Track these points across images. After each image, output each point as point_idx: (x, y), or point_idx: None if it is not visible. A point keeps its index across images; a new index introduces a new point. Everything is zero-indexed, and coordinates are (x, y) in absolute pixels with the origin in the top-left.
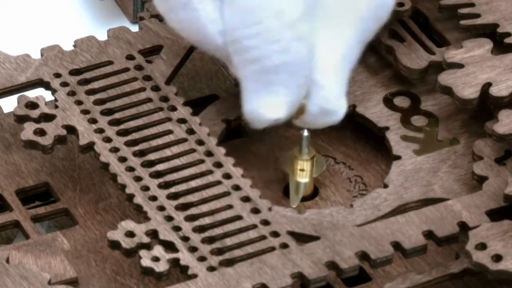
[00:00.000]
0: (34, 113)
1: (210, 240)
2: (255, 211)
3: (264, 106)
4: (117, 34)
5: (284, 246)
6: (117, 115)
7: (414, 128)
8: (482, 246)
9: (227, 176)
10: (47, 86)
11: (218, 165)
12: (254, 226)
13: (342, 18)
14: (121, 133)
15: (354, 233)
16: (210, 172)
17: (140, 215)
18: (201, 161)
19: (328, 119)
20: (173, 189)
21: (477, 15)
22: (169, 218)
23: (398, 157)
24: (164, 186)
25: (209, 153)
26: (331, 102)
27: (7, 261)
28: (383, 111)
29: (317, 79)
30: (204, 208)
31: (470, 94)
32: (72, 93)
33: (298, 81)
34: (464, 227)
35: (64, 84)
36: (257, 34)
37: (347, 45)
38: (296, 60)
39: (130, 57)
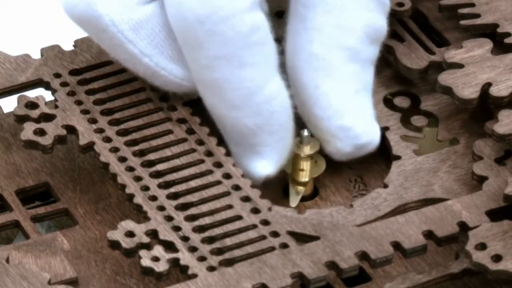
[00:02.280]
0: (34, 113)
1: (210, 240)
2: (255, 211)
3: (254, 166)
4: None
5: (284, 246)
6: (117, 115)
7: (414, 128)
8: (482, 246)
9: (227, 176)
10: (47, 86)
11: (218, 165)
12: (254, 226)
13: (339, 60)
14: (121, 133)
15: (354, 233)
16: (210, 172)
17: (140, 215)
18: (201, 161)
19: (366, 150)
20: (173, 189)
21: (477, 15)
22: (169, 218)
23: (398, 157)
24: (164, 186)
25: (209, 153)
26: (362, 137)
27: (7, 261)
28: (383, 111)
29: (341, 123)
30: (204, 208)
31: (470, 94)
32: (72, 93)
33: (280, 136)
34: (464, 227)
35: (64, 84)
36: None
37: (356, 80)
38: (271, 120)
39: None
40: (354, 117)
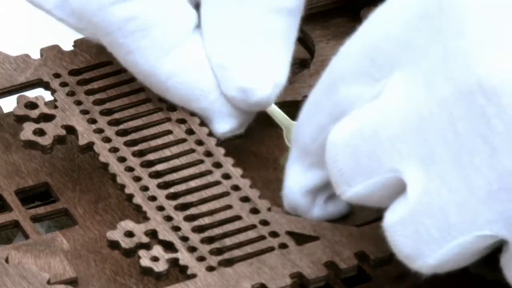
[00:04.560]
0: (34, 113)
1: (209, 240)
2: (254, 211)
3: (213, 128)
4: None
5: (283, 246)
6: (116, 115)
7: None
8: None
9: (227, 176)
10: (46, 86)
11: (218, 165)
12: (253, 226)
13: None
14: (120, 133)
15: (354, 233)
16: (209, 172)
17: (140, 215)
18: (201, 161)
19: (252, 99)
20: (172, 189)
21: None
22: (169, 218)
23: None
24: (164, 186)
25: (208, 153)
26: (242, 81)
27: (7, 261)
28: None
29: (221, 62)
30: (204, 208)
31: None
32: (71, 93)
33: (212, 97)
34: None
35: (64, 84)
36: None
37: (256, 23)
38: (186, 89)
39: None
40: (236, 59)
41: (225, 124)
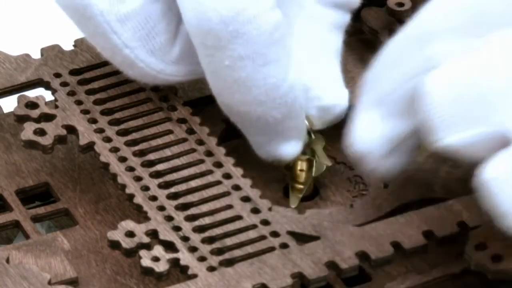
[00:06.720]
0: (34, 113)
1: (210, 240)
2: (255, 211)
3: (284, 149)
4: None
5: (284, 246)
6: (117, 115)
7: None
8: (482, 246)
9: (227, 176)
10: (47, 86)
11: (218, 165)
12: (254, 226)
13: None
14: (121, 133)
15: (354, 233)
16: (210, 172)
17: (140, 215)
18: (201, 161)
19: (333, 114)
20: (173, 189)
21: None
22: (169, 218)
23: None
24: (164, 186)
25: (209, 153)
26: (324, 99)
27: (7, 261)
28: None
29: (305, 84)
30: (204, 208)
31: None
32: (72, 93)
33: (301, 117)
34: (464, 227)
35: (64, 84)
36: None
37: (321, 43)
38: (294, 106)
39: None
40: (314, 78)
41: (299, 144)
